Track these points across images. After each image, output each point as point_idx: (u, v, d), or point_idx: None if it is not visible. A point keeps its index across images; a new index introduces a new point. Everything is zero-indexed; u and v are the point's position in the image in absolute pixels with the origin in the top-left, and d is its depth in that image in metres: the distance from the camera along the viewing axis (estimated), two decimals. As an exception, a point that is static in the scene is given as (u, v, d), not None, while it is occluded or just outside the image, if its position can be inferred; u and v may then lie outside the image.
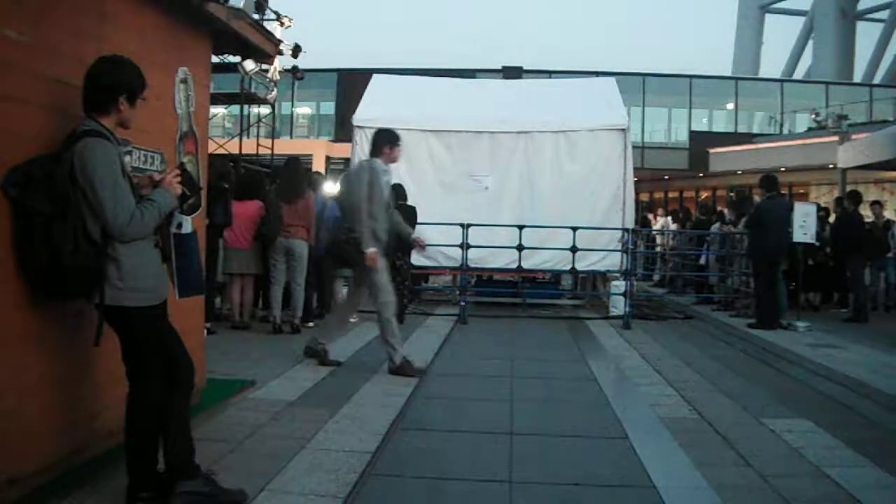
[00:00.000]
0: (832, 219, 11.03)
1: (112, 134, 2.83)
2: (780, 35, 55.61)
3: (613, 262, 9.39)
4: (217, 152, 11.23)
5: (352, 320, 8.07)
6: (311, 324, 7.53)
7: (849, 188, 13.64)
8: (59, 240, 2.67)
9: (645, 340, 7.49)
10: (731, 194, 16.82)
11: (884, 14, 41.23)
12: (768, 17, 47.00)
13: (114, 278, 2.76)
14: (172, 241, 3.05)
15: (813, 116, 21.84)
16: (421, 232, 8.76)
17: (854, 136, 15.18)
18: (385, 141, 5.60)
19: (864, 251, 9.75)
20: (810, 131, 23.21)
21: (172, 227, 3.04)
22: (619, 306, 8.98)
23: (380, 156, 5.55)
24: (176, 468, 2.89)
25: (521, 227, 8.84)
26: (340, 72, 26.59)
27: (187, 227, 3.08)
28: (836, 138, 15.73)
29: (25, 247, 2.70)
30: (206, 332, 5.36)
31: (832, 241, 10.14)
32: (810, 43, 43.02)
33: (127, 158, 3.16)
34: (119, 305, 2.79)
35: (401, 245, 8.21)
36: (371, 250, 5.36)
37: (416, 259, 9.01)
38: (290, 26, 11.09)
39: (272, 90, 12.93)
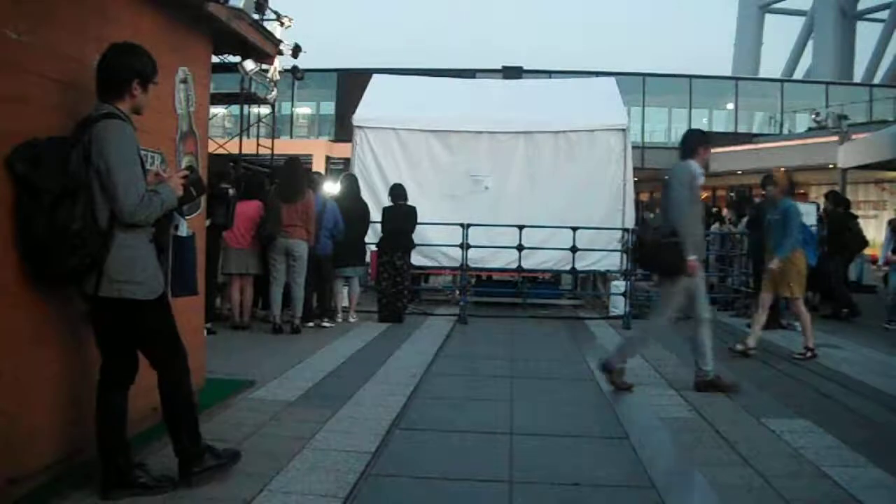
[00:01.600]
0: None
1: (129, 118, 2.87)
2: (780, 35, 55.48)
3: (613, 262, 9.39)
4: (217, 152, 11.23)
5: (351, 320, 8.09)
6: (310, 324, 7.53)
7: (848, 188, 13.65)
8: (64, 218, 2.69)
9: (645, 340, 7.47)
10: (731, 194, 16.77)
11: (884, 14, 41.23)
12: (768, 17, 47.02)
13: (108, 270, 2.78)
14: (176, 241, 3.07)
15: (813, 116, 21.86)
16: (421, 232, 8.80)
17: (854, 136, 15.19)
18: (699, 142, 5.37)
19: (846, 251, 9.92)
20: (810, 131, 23.23)
21: (171, 227, 3.05)
22: (619, 306, 8.98)
23: (694, 157, 5.31)
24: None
25: (521, 228, 8.84)
26: (340, 72, 26.61)
27: (183, 230, 3.09)
28: (836, 138, 15.75)
29: (28, 223, 2.70)
30: (206, 332, 5.36)
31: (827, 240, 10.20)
32: (810, 43, 43.02)
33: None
34: (112, 297, 2.80)
35: (401, 244, 8.26)
36: (692, 258, 5.09)
37: (416, 259, 9.02)
38: (290, 26, 11.10)
39: (272, 90, 12.93)
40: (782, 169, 7.02)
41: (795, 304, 6.74)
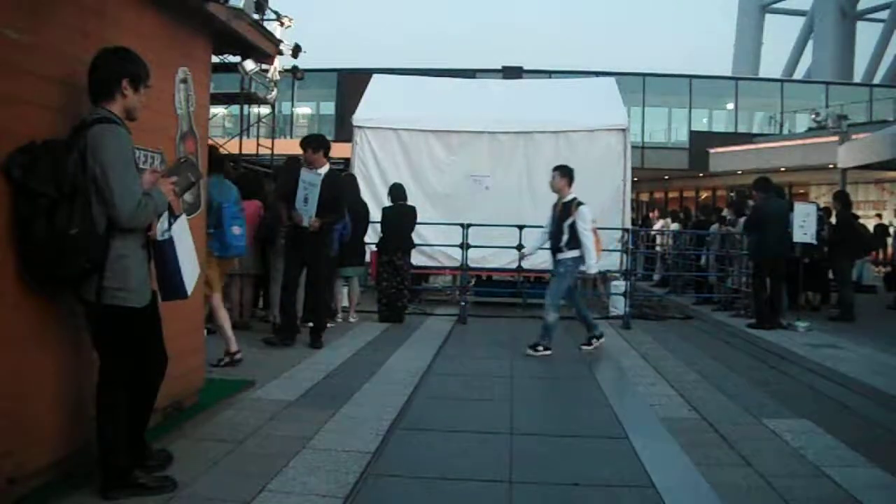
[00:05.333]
0: (833, 219, 11.03)
1: (123, 122, 2.86)
2: (780, 35, 55.51)
3: (613, 262, 9.39)
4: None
5: (351, 320, 8.09)
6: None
7: (848, 188, 13.65)
8: (63, 223, 2.68)
9: (645, 340, 7.49)
10: (732, 194, 16.79)
11: (884, 14, 41.17)
12: (768, 17, 46.95)
13: (106, 276, 2.79)
14: (156, 245, 3.07)
15: (813, 116, 21.84)
16: (421, 232, 8.80)
17: (854, 136, 15.16)
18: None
19: (851, 251, 9.89)
20: (810, 131, 23.19)
21: (159, 231, 3.05)
22: (619, 306, 8.98)
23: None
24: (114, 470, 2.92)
25: (521, 227, 8.84)
26: (340, 72, 26.57)
27: (166, 234, 3.08)
28: (836, 138, 15.70)
29: (26, 228, 2.69)
30: (206, 332, 5.35)
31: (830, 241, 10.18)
32: (810, 43, 42.97)
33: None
34: (107, 304, 2.81)
35: (401, 245, 8.26)
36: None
37: (416, 259, 9.02)
38: (290, 26, 11.11)
39: (272, 90, 12.93)
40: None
41: (213, 301, 5.60)
